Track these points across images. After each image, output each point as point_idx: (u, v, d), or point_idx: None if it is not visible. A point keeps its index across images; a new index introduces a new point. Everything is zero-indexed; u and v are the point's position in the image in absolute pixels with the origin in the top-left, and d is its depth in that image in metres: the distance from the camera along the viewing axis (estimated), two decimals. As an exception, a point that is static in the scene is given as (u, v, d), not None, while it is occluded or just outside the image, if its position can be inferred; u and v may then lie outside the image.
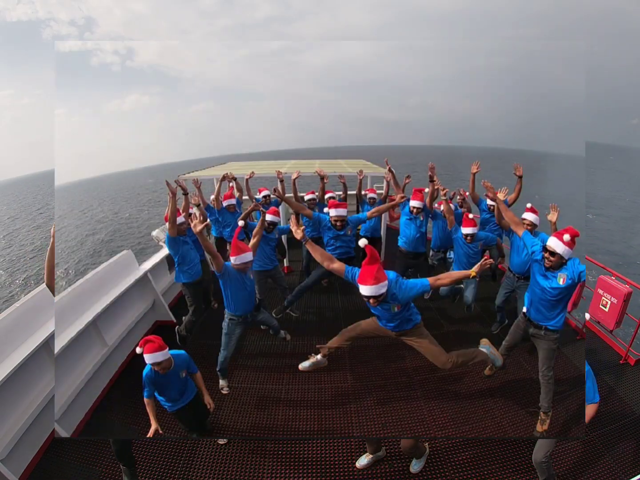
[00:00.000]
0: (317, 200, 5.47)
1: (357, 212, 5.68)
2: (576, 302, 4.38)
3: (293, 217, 3.17)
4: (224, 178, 5.24)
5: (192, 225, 2.93)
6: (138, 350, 2.46)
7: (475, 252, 4.10)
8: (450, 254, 4.87)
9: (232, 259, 3.07)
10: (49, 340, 3.14)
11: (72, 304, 3.55)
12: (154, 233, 5.84)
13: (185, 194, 4.14)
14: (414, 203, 4.38)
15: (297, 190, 5.51)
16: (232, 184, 5.60)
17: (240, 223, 3.68)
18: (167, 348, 2.52)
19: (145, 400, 2.53)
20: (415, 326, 2.88)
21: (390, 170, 4.97)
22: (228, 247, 4.70)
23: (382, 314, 2.79)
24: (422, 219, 4.50)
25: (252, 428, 3.16)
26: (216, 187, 5.21)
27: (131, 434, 3.10)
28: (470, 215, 4.16)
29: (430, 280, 2.60)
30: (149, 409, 2.51)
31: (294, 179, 5.29)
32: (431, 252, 5.15)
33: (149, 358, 2.44)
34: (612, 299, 3.97)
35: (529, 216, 3.73)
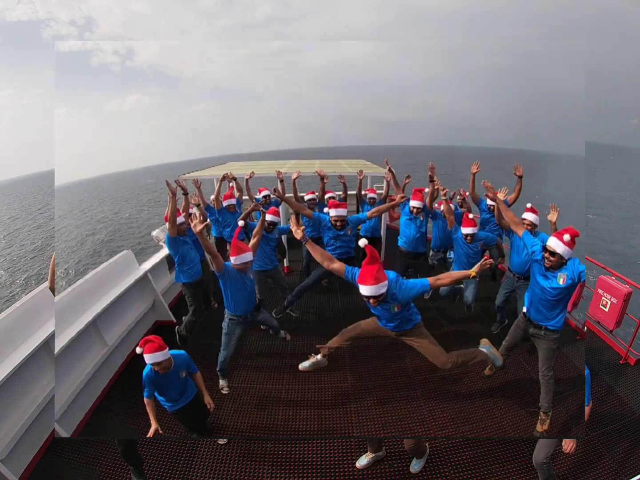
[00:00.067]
0: (317, 200, 5.47)
1: (357, 212, 5.68)
2: (576, 302, 4.38)
3: (293, 217, 3.17)
4: (224, 178, 5.24)
5: (192, 225, 2.93)
6: (138, 350, 2.46)
7: (475, 252, 4.10)
8: (450, 254, 4.87)
9: (232, 259, 3.07)
10: (49, 340, 3.14)
11: (72, 304, 3.55)
12: (154, 233, 5.84)
13: (185, 194, 4.13)
14: (414, 203, 4.38)
15: (297, 190, 5.51)
16: (232, 184, 5.60)
17: (240, 223, 3.67)
18: (167, 348, 2.52)
19: (145, 400, 2.53)
20: (415, 326, 2.88)
21: (390, 170, 4.97)
22: (228, 247, 4.70)
23: (382, 314, 2.79)
24: (422, 219, 4.50)
25: (252, 428, 3.16)
26: (216, 187, 5.21)
27: (131, 434, 3.09)
28: (470, 215, 4.16)
29: (430, 280, 2.60)
30: (149, 409, 2.51)
31: (294, 179, 5.29)
32: (431, 252, 5.15)
33: (149, 358, 2.44)
34: (612, 299, 3.97)
35: (529, 216, 3.73)
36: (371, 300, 2.54)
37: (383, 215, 5.70)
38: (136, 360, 3.80)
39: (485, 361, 3.06)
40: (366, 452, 2.83)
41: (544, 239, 2.84)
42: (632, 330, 3.91)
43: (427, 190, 4.66)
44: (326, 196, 5.53)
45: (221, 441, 3.04)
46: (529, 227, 3.56)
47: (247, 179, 5.70)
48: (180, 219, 3.79)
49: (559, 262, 2.64)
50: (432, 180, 4.46)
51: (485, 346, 3.03)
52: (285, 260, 6.51)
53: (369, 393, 3.49)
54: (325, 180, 5.30)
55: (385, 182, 5.33)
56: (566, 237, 2.58)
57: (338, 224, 4.08)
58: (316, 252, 2.83)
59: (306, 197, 5.51)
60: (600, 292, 4.12)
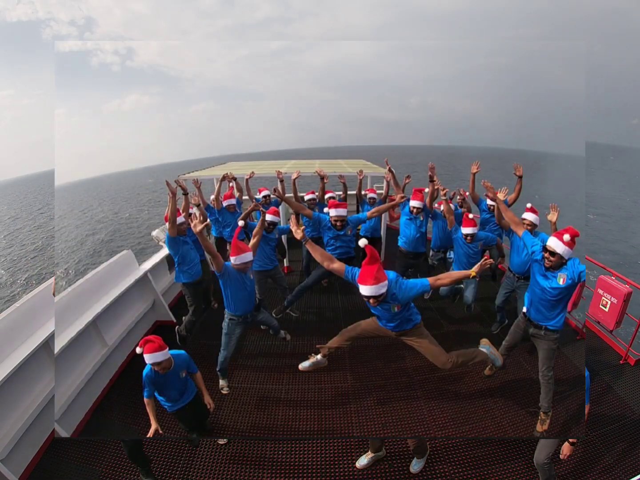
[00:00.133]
0: (317, 200, 5.46)
1: (357, 212, 5.69)
2: (576, 302, 4.38)
3: (293, 217, 3.18)
4: (224, 178, 5.24)
5: (192, 225, 2.93)
6: (138, 350, 2.46)
7: (475, 252, 4.10)
8: (450, 254, 4.87)
9: (232, 259, 3.06)
10: (49, 340, 3.14)
11: (72, 304, 3.55)
12: (154, 233, 5.84)
13: (185, 194, 4.13)
14: (414, 203, 4.38)
15: (297, 190, 5.51)
16: (232, 184, 5.60)
17: (240, 223, 3.67)
18: (167, 348, 2.52)
19: (145, 400, 2.53)
20: (415, 326, 2.88)
21: (390, 170, 4.97)
22: (228, 247, 4.70)
23: (382, 314, 2.79)
24: (422, 219, 4.50)
25: (252, 428, 3.16)
26: (216, 187, 5.21)
27: (131, 434, 3.09)
28: (470, 215, 4.16)
29: (430, 280, 2.60)
30: (149, 409, 2.51)
31: (294, 179, 5.29)
32: (431, 252, 5.16)
33: (149, 358, 2.44)
34: (612, 299, 3.97)
35: (529, 216, 3.73)
36: (371, 300, 2.54)
37: (383, 215, 5.69)
38: (136, 360, 3.81)
39: (485, 361, 3.06)
40: (366, 451, 2.84)
41: (544, 239, 2.84)
42: (632, 330, 3.92)
43: (427, 190, 4.66)
44: (326, 196, 5.53)
45: (221, 441, 3.04)
46: (529, 227, 3.56)
47: (247, 179, 5.70)
48: (180, 219, 3.79)
49: (559, 262, 2.64)
50: (432, 180, 4.46)
51: (485, 346, 3.03)
52: (285, 260, 6.51)
53: (369, 393, 3.49)
54: (325, 180, 5.30)
55: (385, 182, 5.33)
56: (566, 237, 2.58)
57: (338, 224, 4.08)
58: (316, 252, 2.83)
59: (306, 197, 5.51)
60: (600, 292, 4.12)
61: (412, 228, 4.50)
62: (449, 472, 2.73)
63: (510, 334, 3.20)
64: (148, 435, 2.44)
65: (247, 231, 4.03)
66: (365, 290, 2.48)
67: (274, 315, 4.16)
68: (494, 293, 4.29)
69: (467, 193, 5.07)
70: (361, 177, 5.57)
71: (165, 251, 5.17)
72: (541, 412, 2.98)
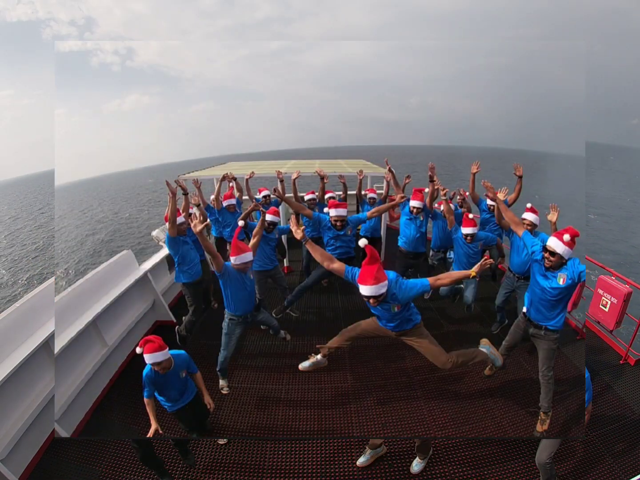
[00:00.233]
0: (317, 200, 5.47)
1: (357, 212, 5.69)
2: (576, 302, 4.38)
3: (293, 217, 3.18)
4: (224, 178, 5.24)
5: (192, 225, 2.93)
6: (138, 350, 2.46)
7: (475, 252, 4.10)
8: (450, 254, 4.88)
9: (232, 259, 3.06)
10: (49, 340, 3.14)
11: (72, 304, 3.55)
12: (154, 233, 5.84)
13: (185, 194, 4.13)
14: (414, 203, 4.38)
15: (297, 190, 5.51)
16: (232, 184, 5.60)
17: (240, 223, 3.67)
18: (167, 348, 2.52)
19: (145, 400, 2.53)
20: (415, 326, 2.88)
21: (390, 170, 4.97)
22: (228, 247, 4.70)
23: (382, 314, 2.79)
24: (422, 219, 4.50)
25: (252, 428, 3.16)
26: (216, 187, 5.21)
27: (131, 434, 3.09)
28: (470, 215, 4.16)
29: (430, 280, 2.60)
30: (149, 409, 2.51)
31: (294, 179, 5.29)
32: (431, 252, 5.16)
33: (149, 358, 2.44)
34: (612, 299, 3.97)
35: (529, 216, 3.73)
36: (371, 300, 2.54)
37: (383, 215, 5.70)
38: (136, 360, 3.81)
39: (485, 361, 3.06)
40: (365, 449, 2.84)
41: (544, 239, 2.84)
42: (632, 330, 3.92)
43: (427, 190, 4.66)
44: (326, 196, 5.53)
45: (221, 441, 3.05)
46: (529, 227, 3.56)
47: (247, 179, 5.70)
48: (180, 219, 3.79)
49: (559, 262, 2.64)
50: (432, 180, 4.46)
51: (485, 346, 3.03)
52: (285, 260, 6.51)
53: (369, 393, 3.49)
54: (325, 180, 5.30)
55: (385, 182, 5.33)
56: (566, 237, 2.58)
57: (338, 224, 4.08)
58: (316, 252, 2.83)
59: (306, 197, 5.51)
60: (600, 292, 4.12)
61: (412, 228, 4.50)
62: (449, 472, 2.73)
63: (510, 334, 3.20)
64: (148, 435, 2.44)
65: (247, 231, 4.03)
66: (365, 290, 2.48)
67: (274, 315, 4.16)
68: (494, 293, 4.29)
69: (467, 193, 5.07)
70: (361, 177, 5.57)
71: (165, 251, 5.17)
72: (541, 412, 2.98)
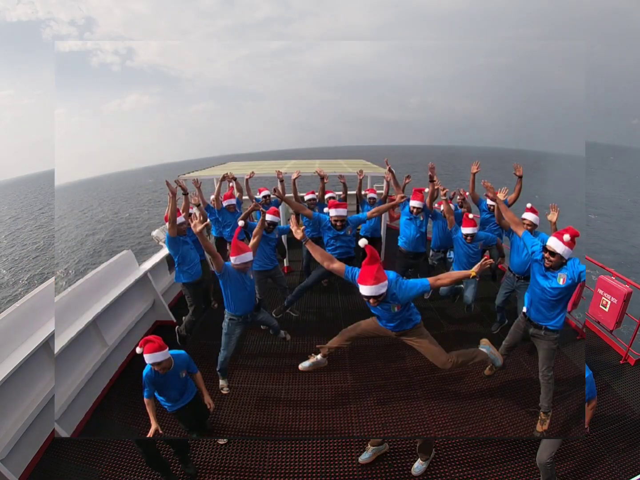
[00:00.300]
0: (317, 200, 5.46)
1: (357, 212, 5.68)
2: (576, 302, 4.38)
3: (293, 217, 3.18)
4: (224, 178, 5.24)
5: (192, 225, 2.93)
6: (138, 350, 2.46)
7: (475, 252, 4.10)
8: (450, 254, 4.87)
9: (232, 259, 3.06)
10: (49, 340, 3.14)
11: (72, 304, 3.55)
12: (154, 233, 5.84)
13: (185, 194, 4.13)
14: (414, 203, 4.38)
15: (297, 190, 5.51)
16: (232, 184, 5.60)
17: (240, 223, 3.67)
18: (167, 348, 2.52)
19: (145, 400, 2.53)
20: (415, 326, 2.88)
21: (390, 170, 4.97)
22: (228, 247, 4.70)
23: (382, 314, 2.79)
24: (422, 219, 4.50)
25: (252, 428, 3.16)
26: (216, 187, 5.21)
27: (131, 434, 3.10)
28: (470, 215, 4.16)
29: (430, 280, 2.60)
30: (149, 409, 2.51)
31: (294, 179, 5.29)
32: (431, 252, 5.15)
33: (149, 358, 2.44)
34: (612, 299, 3.97)
35: (529, 216, 3.73)
36: (371, 300, 2.54)
37: (383, 215, 5.70)
38: (136, 360, 3.81)
39: (485, 361, 3.06)
40: (367, 446, 2.84)
41: (544, 239, 2.84)
42: (632, 330, 3.91)
43: (427, 190, 4.66)
44: (326, 196, 5.53)
45: (221, 441, 3.05)
46: (529, 227, 3.56)
47: (247, 179, 5.70)
48: (180, 219, 3.79)
49: (559, 262, 2.64)
50: (432, 180, 4.46)
51: (485, 346, 3.03)
52: (285, 260, 6.51)
53: (369, 393, 3.49)
54: (325, 180, 5.30)
55: (385, 182, 5.33)
56: (566, 237, 2.58)
57: (338, 224, 4.08)
58: (316, 252, 2.83)
59: (306, 197, 5.51)
60: (601, 292, 4.12)
61: (412, 228, 4.50)
62: (449, 472, 2.73)
63: (510, 334, 3.20)
64: (148, 435, 2.44)
65: (247, 231, 4.03)
66: (365, 290, 2.48)
67: (274, 315, 4.16)
68: (494, 293, 4.29)
69: (467, 193, 5.07)
70: (361, 177, 5.57)
71: (165, 251, 5.17)
72: (541, 412, 2.98)
